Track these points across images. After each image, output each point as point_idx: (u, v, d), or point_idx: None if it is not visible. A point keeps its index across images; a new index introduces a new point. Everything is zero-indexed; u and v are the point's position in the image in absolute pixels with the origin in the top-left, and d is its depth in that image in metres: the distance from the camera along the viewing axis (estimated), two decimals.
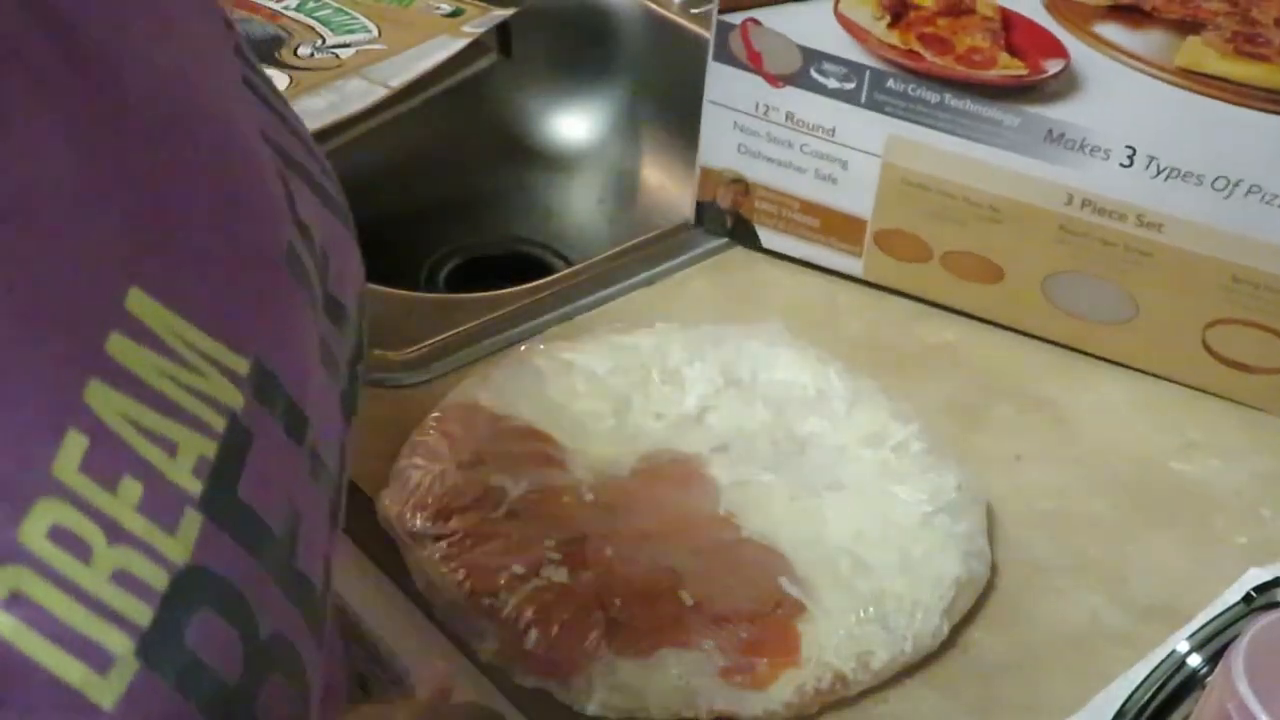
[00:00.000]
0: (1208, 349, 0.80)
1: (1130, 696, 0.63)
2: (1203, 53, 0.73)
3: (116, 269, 0.36)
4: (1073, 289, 0.82)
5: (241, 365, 0.38)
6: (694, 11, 1.10)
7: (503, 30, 1.12)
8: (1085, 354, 0.84)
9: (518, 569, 0.66)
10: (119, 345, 0.35)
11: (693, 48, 1.03)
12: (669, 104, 1.12)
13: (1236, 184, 0.75)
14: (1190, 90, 0.74)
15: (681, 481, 0.72)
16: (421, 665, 0.66)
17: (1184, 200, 0.77)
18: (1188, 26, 0.73)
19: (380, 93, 1.02)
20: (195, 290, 0.38)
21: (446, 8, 1.11)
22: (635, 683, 0.63)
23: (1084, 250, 0.80)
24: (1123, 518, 0.75)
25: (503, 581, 0.65)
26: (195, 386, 0.36)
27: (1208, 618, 0.66)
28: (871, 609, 0.66)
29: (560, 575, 0.66)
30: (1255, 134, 0.73)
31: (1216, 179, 0.75)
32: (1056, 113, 0.78)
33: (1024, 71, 0.78)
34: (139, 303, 0.36)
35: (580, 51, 1.16)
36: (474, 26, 1.09)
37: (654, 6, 1.13)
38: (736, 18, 0.83)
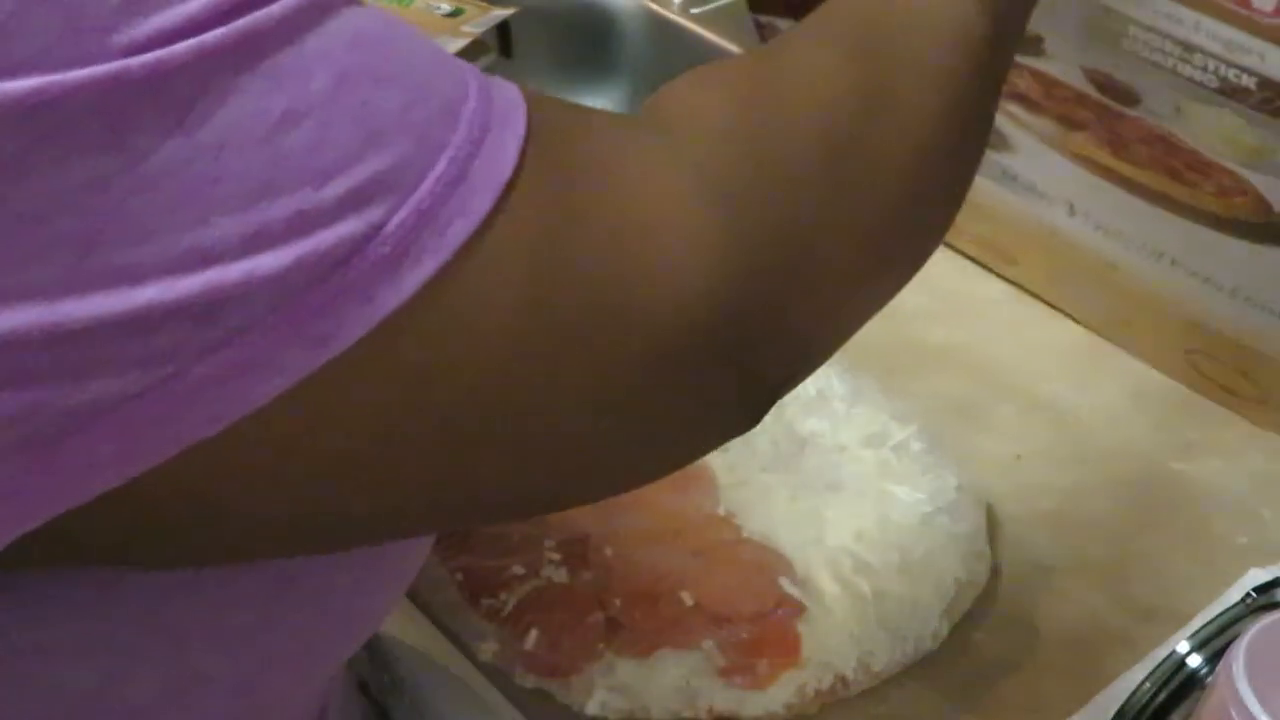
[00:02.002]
0: (1194, 368, 0.80)
1: (1130, 696, 0.63)
2: (1091, 147, 0.73)
3: None
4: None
5: None
6: (694, 11, 1.10)
7: (503, 30, 1.12)
8: (1085, 354, 0.84)
9: (518, 569, 0.66)
10: None
11: (693, 48, 1.03)
12: None
13: (1162, 254, 0.74)
14: (1090, 173, 0.74)
15: (681, 482, 0.72)
16: (422, 666, 0.66)
17: (1128, 252, 0.76)
18: (1070, 123, 0.72)
19: None
20: None
21: (446, 8, 1.11)
22: (635, 683, 0.63)
23: (1071, 254, 0.80)
24: (1123, 518, 0.75)
25: (503, 581, 0.65)
26: None
27: (1208, 618, 0.66)
28: (872, 609, 0.66)
29: (560, 575, 0.66)
30: (1156, 220, 0.73)
31: (1143, 245, 0.75)
32: (1004, 157, 0.78)
33: None
34: None
35: (580, 51, 1.16)
36: (474, 26, 1.09)
37: (654, 6, 1.12)
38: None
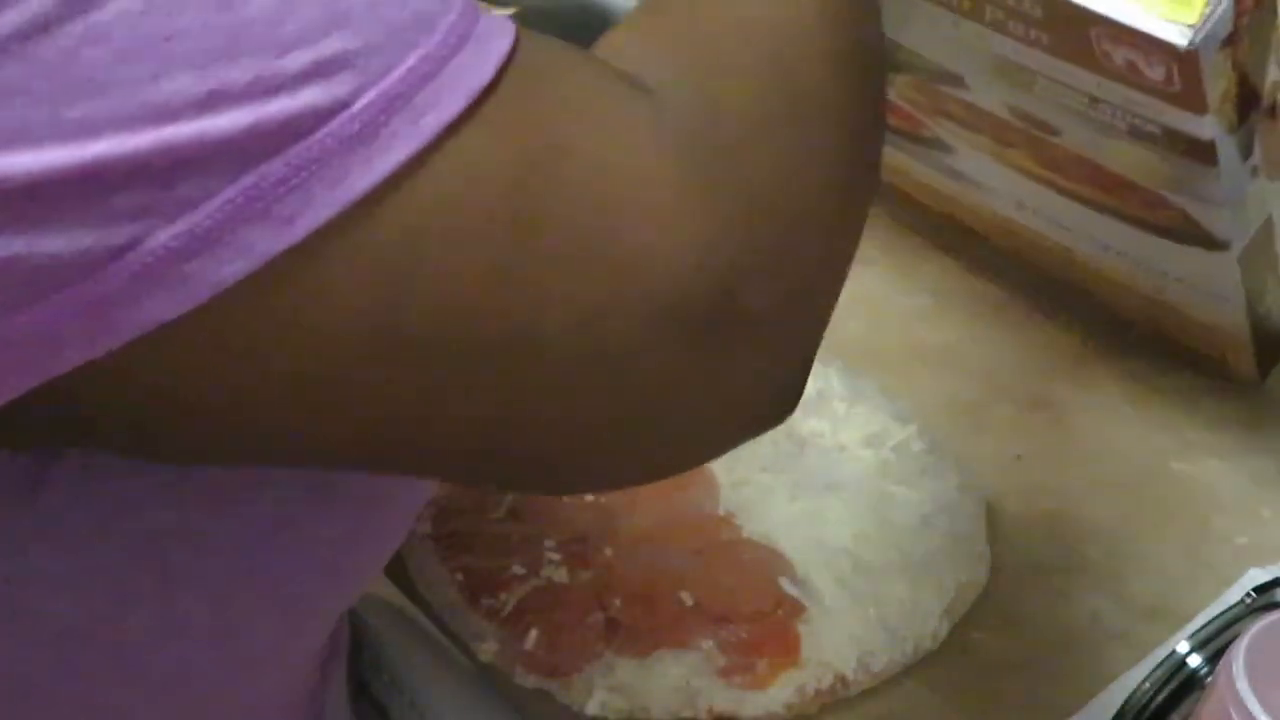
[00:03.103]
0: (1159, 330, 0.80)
1: (1130, 696, 0.63)
2: (1024, 161, 0.73)
3: None
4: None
5: None
6: None
7: None
8: (1085, 354, 0.84)
9: (518, 569, 0.66)
10: None
11: None
12: None
13: (1108, 247, 0.75)
14: (1028, 179, 0.74)
15: (681, 482, 0.72)
16: (422, 666, 0.66)
17: (1077, 242, 0.76)
18: (1002, 142, 0.73)
19: None
20: None
21: None
22: (635, 683, 0.63)
23: (1030, 237, 0.80)
24: (1123, 518, 0.75)
25: (502, 581, 0.65)
26: None
27: (1208, 618, 0.66)
28: (871, 609, 0.66)
29: (560, 575, 0.66)
30: (1096, 220, 0.73)
31: (1090, 238, 0.75)
32: (950, 159, 0.78)
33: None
34: None
35: None
36: None
37: None
38: None
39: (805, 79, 0.44)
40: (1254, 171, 0.66)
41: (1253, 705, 0.50)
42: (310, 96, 0.34)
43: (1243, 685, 0.50)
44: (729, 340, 0.40)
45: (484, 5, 1.19)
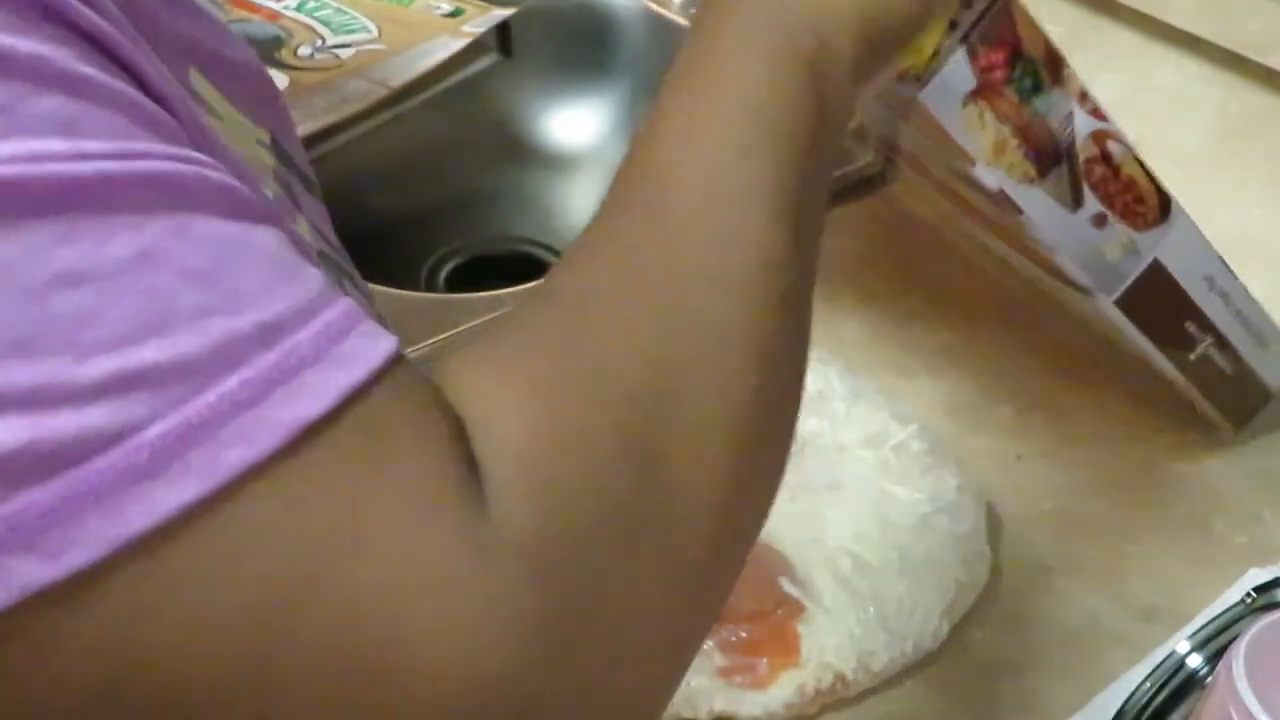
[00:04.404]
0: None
1: (1130, 696, 0.64)
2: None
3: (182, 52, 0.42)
4: None
5: (264, 135, 0.46)
6: (694, 11, 1.10)
7: (503, 30, 1.12)
8: (1085, 354, 0.84)
9: None
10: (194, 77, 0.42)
11: None
12: None
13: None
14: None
15: None
16: None
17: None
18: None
19: (380, 93, 1.02)
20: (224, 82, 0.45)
21: (446, 8, 1.11)
22: None
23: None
24: (1123, 518, 0.75)
25: None
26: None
27: (1208, 618, 0.66)
28: (871, 609, 0.66)
29: None
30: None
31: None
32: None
33: None
34: (196, 78, 0.43)
35: (580, 51, 1.16)
36: (474, 26, 1.09)
37: (654, 6, 1.13)
38: None
39: (678, 455, 0.38)
40: (1098, 220, 0.67)
41: (1253, 705, 0.50)
42: (98, 416, 0.30)
43: (1243, 685, 0.50)
44: None
45: (484, 5, 1.18)
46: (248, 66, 0.50)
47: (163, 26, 0.42)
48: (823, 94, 0.46)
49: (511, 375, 0.38)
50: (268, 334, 0.32)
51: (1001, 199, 0.65)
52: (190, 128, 0.36)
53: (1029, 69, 0.62)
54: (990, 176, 0.63)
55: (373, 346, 0.34)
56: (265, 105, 0.50)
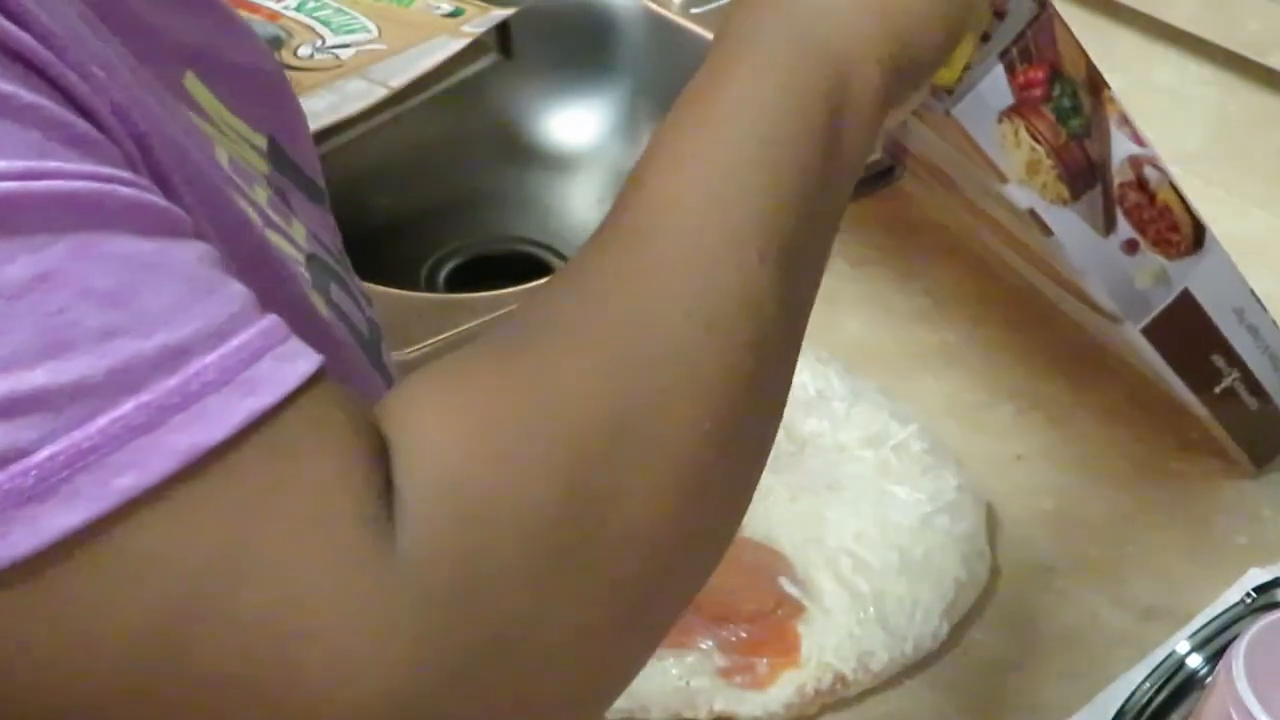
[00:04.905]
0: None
1: (1130, 696, 0.63)
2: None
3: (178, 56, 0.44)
4: None
5: (261, 140, 0.46)
6: (694, 11, 1.10)
7: (503, 30, 1.12)
8: (1085, 354, 0.84)
9: None
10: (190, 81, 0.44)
11: (693, 48, 1.03)
12: (669, 104, 1.12)
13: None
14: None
15: None
16: None
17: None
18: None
19: (380, 93, 1.02)
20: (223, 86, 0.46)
21: (446, 8, 1.11)
22: (635, 683, 0.63)
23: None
24: (1123, 518, 0.75)
25: None
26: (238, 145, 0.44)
27: (1208, 618, 0.66)
28: (871, 609, 0.66)
29: None
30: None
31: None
32: None
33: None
34: (191, 82, 0.44)
35: (580, 51, 1.16)
36: (474, 26, 1.09)
37: (654, 6, 1.13)
38: None
39: (622, 492, 0.37)
40: (1129, 247, 0.66)
41: (1253, 705, 0.50)
42: None
43: (1243, 685, 0.50)
44: None
45: (484, 5, 1.18)
46: (255, 71, 0.50)
47: (156, 33, 0.42)
48: (839, 132, 0.45)
49: (455, 400, 0.37)
50: (171, 357, 0.32)
51: (1031, 219, 0.64)
52: (156, 137, 0.36)
53: (1068, 89, 0.61)
54: (1021, 195, 0.62)
55: (287, 369, 0.33)
56: (270, 110, 0.50)
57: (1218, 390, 0.73)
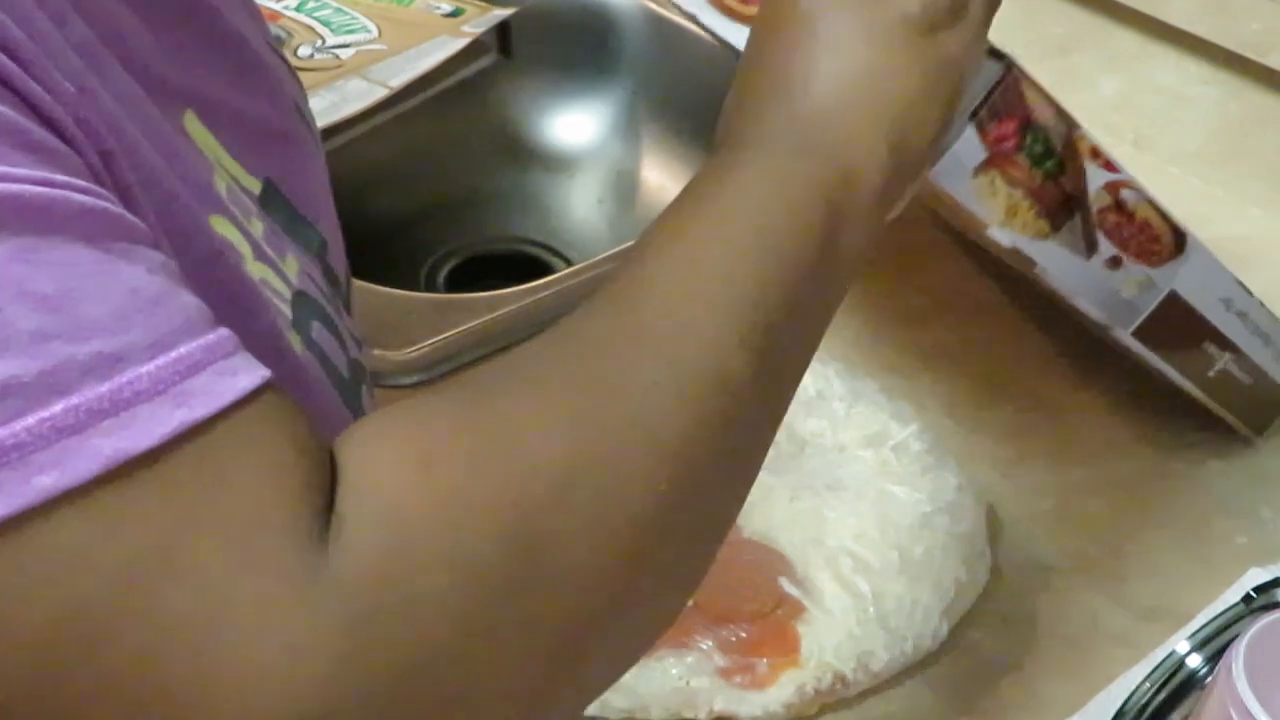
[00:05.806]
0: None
1: (1130, 696, 0.63)
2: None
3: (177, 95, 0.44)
4: None
5: (255, 185, 0.47)
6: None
7: (503, 30, 1.12)
8: (1085, 354, 0.84)
9: None
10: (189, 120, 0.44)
11: (693, 48, 1.03)
12: (669, 104, 1.12)
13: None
14: None
15: None
16: None
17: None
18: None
19: (380, 93, 1.02)
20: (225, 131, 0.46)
21: (446, 8, 1.11)
22: (635, 683, 0.63)
23: None
24: (1123, 518, 0.75)
25: None
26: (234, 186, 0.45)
27: (1208, 618, 0.66)
28: (871, 609, 0.66)
29: None
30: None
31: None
32: None
33: None
34: (190, 120, 0.44)
35: (580, 51, 1.16)
36: (474, 26, 1.09)
37: (654, 6, 1.13)
38: None
39: (569, 539, 0.37)
40: (1113, 263, 0.68)
41: (1253, 705, 0.50)
42: None
43: (1243, 685, 0.50)
44: None
45: (484, 5, 1.18)
46: (259, 118, 0.50)
47: (153, 72, 0.43)
48: (837, 231, 0.46)
49: (410, 435, 0.37)
50: (105, 364, 0.32)
51: (1015, 256, 0.65)
52: (125, 158, 0.36)
53: (1040, 136, 0.63)
54: (1004, 236, 0.64)
55: (226, 383, 0.34)
56: (272, 152, 0.50)
57: (1211, 374, 0.75)
